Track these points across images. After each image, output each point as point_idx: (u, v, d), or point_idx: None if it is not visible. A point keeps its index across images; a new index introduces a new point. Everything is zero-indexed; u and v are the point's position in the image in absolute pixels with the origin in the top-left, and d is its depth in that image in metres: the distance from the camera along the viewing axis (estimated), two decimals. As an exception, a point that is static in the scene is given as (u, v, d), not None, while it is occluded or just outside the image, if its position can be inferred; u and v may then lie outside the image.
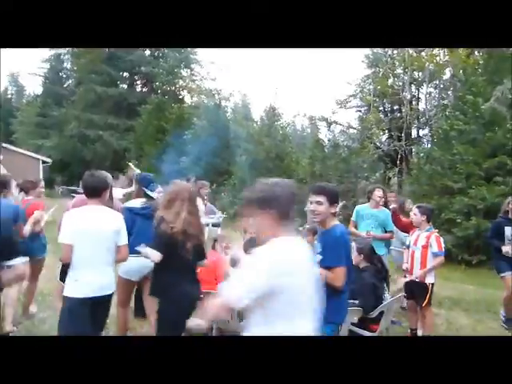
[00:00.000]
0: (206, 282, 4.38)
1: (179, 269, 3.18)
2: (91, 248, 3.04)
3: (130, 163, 6.91)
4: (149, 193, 4.07)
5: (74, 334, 2.87)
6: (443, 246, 4.63)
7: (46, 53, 36.58)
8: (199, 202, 4.29)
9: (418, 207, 4.79)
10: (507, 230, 5.09)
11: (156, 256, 3.17)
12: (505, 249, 5.01)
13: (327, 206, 2.82)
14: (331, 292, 2.70)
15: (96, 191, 3.16)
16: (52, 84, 36.61)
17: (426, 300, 4.51)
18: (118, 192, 6.02)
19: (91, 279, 3.03)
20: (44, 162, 27.03)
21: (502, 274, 5.20)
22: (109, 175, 3.39)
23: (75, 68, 35.96)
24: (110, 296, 3.19)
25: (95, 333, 3.15)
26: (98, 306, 3.10)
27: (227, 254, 5.09)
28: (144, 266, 3.59)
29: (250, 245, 4.39)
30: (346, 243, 2.87)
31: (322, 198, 2.83)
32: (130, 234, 3.37)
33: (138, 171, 6.00)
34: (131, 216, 3.78)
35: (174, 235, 3.12)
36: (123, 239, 3.21)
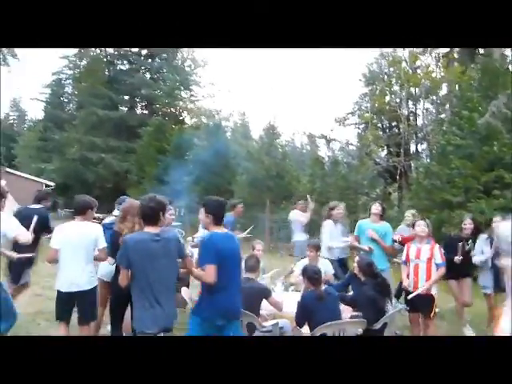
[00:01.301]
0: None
1: None
2: (72, 252, 3.92)
3: (308, 196, 7.63)
4: (115, 212, 5.16)
5: (60, 318, 4.03)
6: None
7: (48, 78, 37.22)
8: None
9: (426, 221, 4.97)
10: None
11: (110, 261, 4.01)
12: None
13: (204, 216, 3.51)
14: (204, 289, 3.39)
15: (81, 210, 4.15)
16: (53, 108, 37.08)
17: (433, 311, 4.61)
18: None
19: (71, 277, 3.92)
20: (47, 186, 27.28)
21: None
22: (91, 198, 4.36)
23: (76, 92, 36.51)
24: (88, 291, 3.99)
25: (82, 321, 4.04)
26: (79, 298, 3.96)
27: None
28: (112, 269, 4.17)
29: (252, 262, 4.52)
30: (213, 245, 3.30)
31: (202, 209, 3.54)
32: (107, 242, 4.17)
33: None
34: (104, 229, 4.52)
35: None
36: (100, 244, 4.06)
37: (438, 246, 4.78)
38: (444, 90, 18.00)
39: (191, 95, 33.59)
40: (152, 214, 3.24)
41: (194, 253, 6.60)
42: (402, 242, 5.74)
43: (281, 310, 4.41)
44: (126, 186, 25.52)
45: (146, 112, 34.59)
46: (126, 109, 35.19)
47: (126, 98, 35.12)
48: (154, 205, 3.26)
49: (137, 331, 3.11)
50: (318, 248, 5.55)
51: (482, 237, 5.58)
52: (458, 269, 5.43)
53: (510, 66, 13.66)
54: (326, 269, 5.31)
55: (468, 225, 5.71)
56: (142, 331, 3.07)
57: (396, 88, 19.29)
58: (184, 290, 4.98)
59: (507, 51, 14.18)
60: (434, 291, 4.65)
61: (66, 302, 4.00)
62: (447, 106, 17.09)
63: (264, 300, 4.32)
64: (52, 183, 27.94)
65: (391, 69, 19.31)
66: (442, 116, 17.38)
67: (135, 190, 20.74)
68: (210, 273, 3.22)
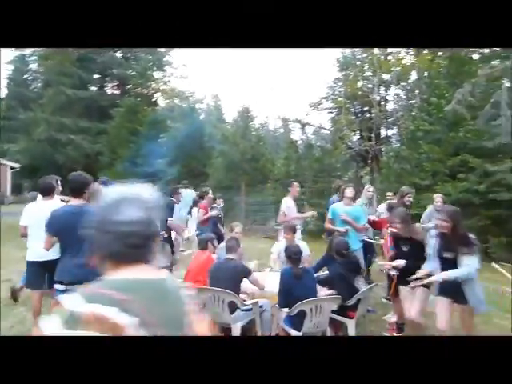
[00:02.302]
0: (196, 280, 4.69)
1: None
2: (38, 227, 4.16)
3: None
4: None
5: (32, 286, 4.51)
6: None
7: (10, 54, 35.59)
8: None
9: (387, 205, 5.31)
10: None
11: None
12: None
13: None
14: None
15: (46, 191, 4.52)
16: (16, 86, 35.53)
17: (391, 290, 4.79)
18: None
19: (40, 248, 4.16)
20: (12, 168, 26.40)
21: None
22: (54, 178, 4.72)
23: (42, 70, 35.10)
24: (55, 260, 4.22)
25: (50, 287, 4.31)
26: (49, 266, 4.21)
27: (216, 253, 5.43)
28: None
29: (232, 243, 4.72)
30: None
31: None
32: None
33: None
34: None
35: None
36: None
37: (387, 231, 5.03)
38: (414, 77, 18.47)
39: (164, 76, 32.99)
40: (80, 188, 3.81)
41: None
42: (374, 225, 6.08)
43: (262, 288, 4.66)
44: (98, 168, 25.06)
45: (117, 92, 33.76)
46: (97, 88, 34.19)
47: (97, 77, 34.11)
48: (83, 180, 3.83)
49: (55, 278, 3.76)
50: (294, 230, 5.81)
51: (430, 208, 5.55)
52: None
53: (473, 56, 14.14)
54: (303, 250, 5.57)
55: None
56: (59, 279, 3.73)
57: (368, 74, 19.66)
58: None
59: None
60: (392, 272, 4.70)
61: (37, 271, 4.43)
62: (417, 92, 17.58)
63: (245, 280, 4.54)
64: (17, 165, 27.03)
65: (364, 55, 19.61)
66: (412, 102, 17.89)
67: (107, 172, 20.41)
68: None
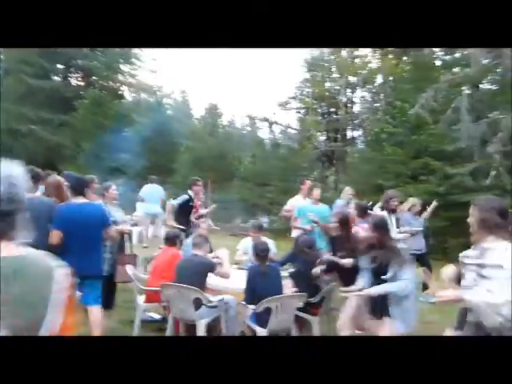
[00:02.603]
0: (163, 276, 4.62)
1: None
2: None
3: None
4: None
5: None
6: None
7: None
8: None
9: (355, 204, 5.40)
10: None
11: None
12: None
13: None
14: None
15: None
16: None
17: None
18: None
19: None
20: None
21: None
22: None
23: (1, 57, 33.43)
24: None
25: None
26: None
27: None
28: None
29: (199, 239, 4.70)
30: (60, 213, 3.87)
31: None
32: None
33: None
34: None
35: None
36: None
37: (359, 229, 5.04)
38: (379, 80, 18.95)
39: (132, 69, 32.13)
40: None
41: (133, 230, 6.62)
42: None
43: (228, 276, 4.56)
44: (59, 160, 24.14)
45: (82, 84, 32.60)
46: (60, 79, 32.89)
47: (60, 67, 32.81)
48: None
49: None
50: (260, 229, 5.82)
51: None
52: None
53: (436, 62, 14.68)
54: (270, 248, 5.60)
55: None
56: None
57: (335, 75, 19.97)
58: (129, 267, 5.06)
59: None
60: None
61: None
62: (382, 95, 18.05)
63: (212, 277, 4.51)
64: (-28, 156, 25.62)
65: (331, 56, 19.90)
66: (377, 105, 18.36)
67: (70, 165, 19.73)
68: (52, 236, 3.78)
